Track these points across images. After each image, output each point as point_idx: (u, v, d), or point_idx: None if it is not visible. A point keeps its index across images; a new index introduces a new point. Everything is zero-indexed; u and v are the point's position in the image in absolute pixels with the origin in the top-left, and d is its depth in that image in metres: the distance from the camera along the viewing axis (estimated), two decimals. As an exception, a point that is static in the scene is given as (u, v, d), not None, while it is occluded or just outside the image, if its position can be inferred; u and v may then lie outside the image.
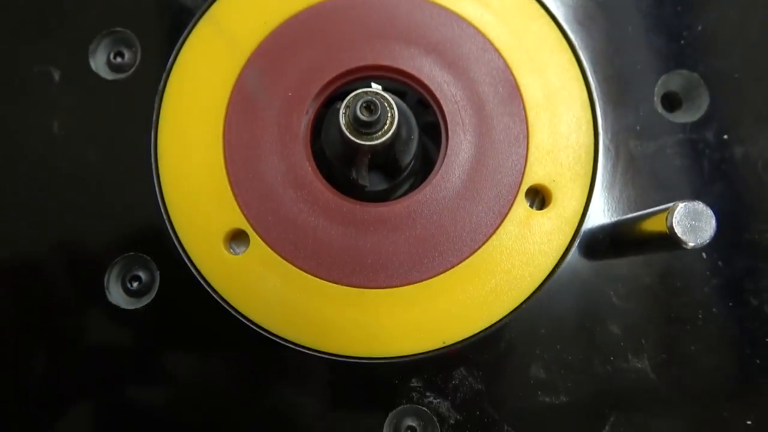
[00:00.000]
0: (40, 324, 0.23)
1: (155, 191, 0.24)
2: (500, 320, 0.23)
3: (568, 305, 0.23)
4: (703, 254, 0.23)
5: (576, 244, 0.23)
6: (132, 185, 0.24)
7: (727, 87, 0.24)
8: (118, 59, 0.25)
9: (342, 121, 0.21)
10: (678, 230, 0.18)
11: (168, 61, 0.24)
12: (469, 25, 0.25)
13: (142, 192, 0.24)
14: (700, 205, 0.18)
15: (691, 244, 0.18)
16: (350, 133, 0.21)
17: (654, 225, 0.20)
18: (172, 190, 0.24)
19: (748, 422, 0.22)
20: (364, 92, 0.21)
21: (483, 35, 0.25)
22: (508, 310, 0.23)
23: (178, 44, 0.25)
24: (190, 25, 0.25)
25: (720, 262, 0.23)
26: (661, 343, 0.22)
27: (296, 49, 0.24)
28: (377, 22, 0.25)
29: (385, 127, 0.21)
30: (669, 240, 0.19)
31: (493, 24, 0.25)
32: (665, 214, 0.19)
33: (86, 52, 0.24)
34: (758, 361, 0.22)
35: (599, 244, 0.23)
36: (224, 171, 0.24)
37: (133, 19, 0.25)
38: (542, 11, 0.25)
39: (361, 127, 0.21)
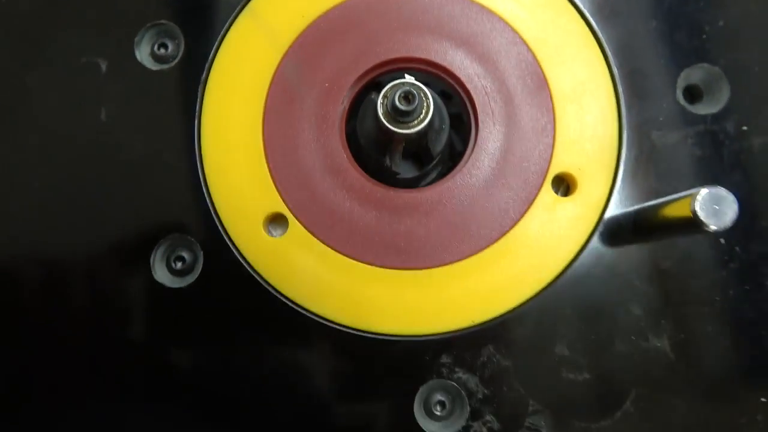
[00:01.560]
0: (90, 300, 0.24)
1: (199, 176, 0.25)
2: (526, 301, 0.24)
3: (591, 288, 0.24)
4: (722, 240, 0.24)
5: (599, 229, 0.24)
6: (177, 170, 0.25)
7: (747, 80, 0.25)
8: (162, 50, 0.26)
9: (380, 110, 0.22)
10: (701, 214, 0.19)
11: (210, 52, 0.26)
12: (499, 19, 0.26)
13: (187, 176, 0.25)
14: (722, 191, 0.19)
15: (714, 228, 0.19)
16: (388, 121, 0.22)
17: (678, 210, 0.21)
18: (215, 175, 0.25)
19: (762, 399, 0.23)
20: (401, 83, 0.22)
21: (512, 29, 0.26)
22: (534, 292, 0.24)
23: (220, 36, 0.26)
24: (231, 18, 0.26)
25: (737, 248, 0.24)
26: (679, 323, 0.24)
27: (332, 41, 0.26)
28: (410, 16, 0.26)
29: (421, 116, 0.22)
30: (692, 224, 0.20)
31: (522, 18, 0.26)
32: (689, 199, 0.20)
33: (132, 44, 0.26)
34: (773, 342, 0.23)
35: (622, 230, 0.24)
36: (264, 157, 0.25)
37: (177, 12, 0.26)
38: (570, 6, 0.26)
39: (399, 116, 0.22)
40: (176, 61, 0.26)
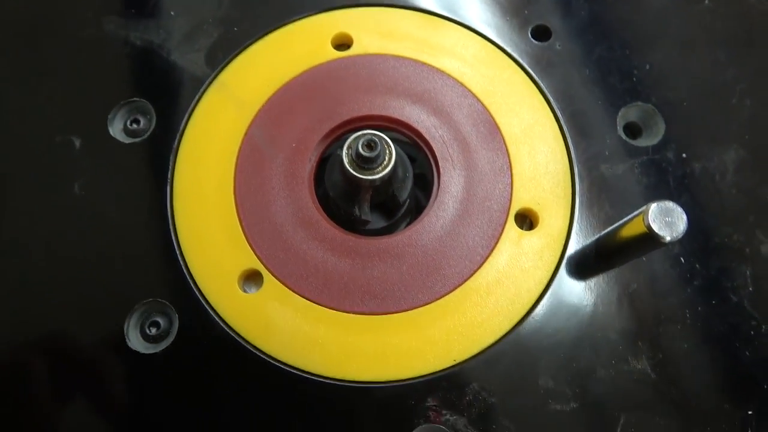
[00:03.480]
0: (63, 370, 0.23)
1: (172, 240, 0.25)
2: (505, 335, 0.24)
3: (566, 316, 0.24)
4: (681, 259, 0.25)
5: (566, 262, 0.25)
6: (150, 236, 0.25)
7: (679, 114, 0.27)
8: (134, 125, 0.27)
9: (345, 159, 0.24)
10: (655, 227, 0.21)
11: (180, 124, 0.27)
12: (449, 76, 0.28)
13: (159, 242, 0.25)
14: (670, 203, 0.21)
15: (668, 239, 0.20)
16: (353, 169, 0.23)
17: (633, 229, 0.22)
18: (188, 239, 0.25)
19: (749, 412, 0.23)
20: (364, 133, 0.24)
21: (462, 84, 0.28)
22: (511, 326, 0.24)
23: (190, 109, 0.27)
24: (201, 91, 0.28)
25: (697, 265, 0.25)
26: (656, 344, 0.24)
27: (298, 105, 0.27)
28: (367, 79, 0.28)
29: (385, 162, 0.24)
30: (649, 239, 0.21)
31: (469, 74, 0.28)
32: (641, 216, 0.21)
33: (105, 121, 0.27)
34: (748, 353, 0.24)
35: (587, 260, 0.25)
36: (236, 216, 0.26)
37: (148, 89, 0.28)
38: (510, 61, 0.28)
39: (363, 163, 0.23)
40: (148, 134, 0.27)
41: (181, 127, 0.27)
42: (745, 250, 0.25)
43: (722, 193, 0.26)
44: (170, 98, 0.27)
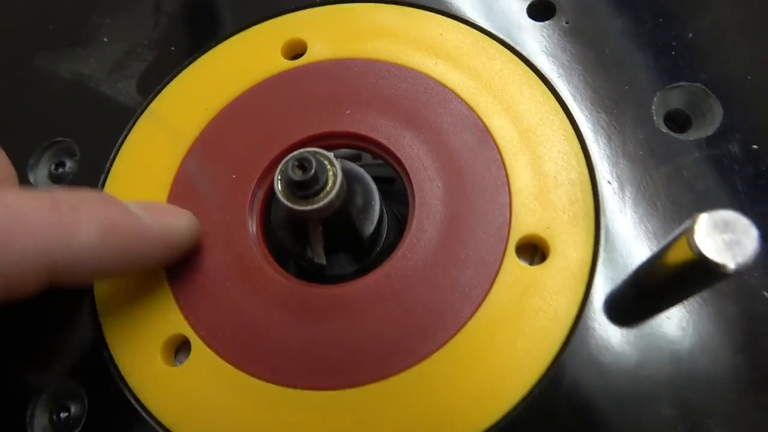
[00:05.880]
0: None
1: (86, 306, 0.20)
2: (513, 409, 0.17)
3: (596, 381, 0.17)
4: (764, 293, 0.17)
5: (596, 303, 0.18)
6: (60, 300, 0.21)
7: (741, 92, 0.20)
8: (60, 170, 0.23)
9: (278, 187, 0.18)
10: (706, 249, 0.13)
11: (107, 163, 0.23)
12: (425, 76, 0.22)
13: (73, 307, 0.21)
14: (728, 213, 0.14)
15: (731, 266, 0.13)
16: (287, 199, 0.18)
17: (678, 254, 0.15)
18: (105, 300, 0.21)
19: None
20: (298, 152, 0.18)
21: (441, 84, 0.22)
22: (519, 397, 0.17)
23: (118, 144, 0.23)
24: (131, 122, 0.23)
25: (792, 302, 0.17)
26: (733, 425, 0.16)
27: (240, 129, 0.22)
28: (325, 90, 0.23)
29: (327, 188, 0.18)
30: (701, 267, 0.14)
31: (450, 71, 0.22)
32: (685, 236, 0.14)
33: (25, 167, 0.23)
34: None
35: (625, 303, 0.18)
36: (162, 272, 0.21)
37: (73, 127, 0.24)
38: (503, 49, 0.22)
39: (297, 189, 0.18)
40: (71, 177, 0.23)
41: (107, 167, 0.23)
42: None
43: (819, 195, 0.18)
44: (97, 134, 0.23)
